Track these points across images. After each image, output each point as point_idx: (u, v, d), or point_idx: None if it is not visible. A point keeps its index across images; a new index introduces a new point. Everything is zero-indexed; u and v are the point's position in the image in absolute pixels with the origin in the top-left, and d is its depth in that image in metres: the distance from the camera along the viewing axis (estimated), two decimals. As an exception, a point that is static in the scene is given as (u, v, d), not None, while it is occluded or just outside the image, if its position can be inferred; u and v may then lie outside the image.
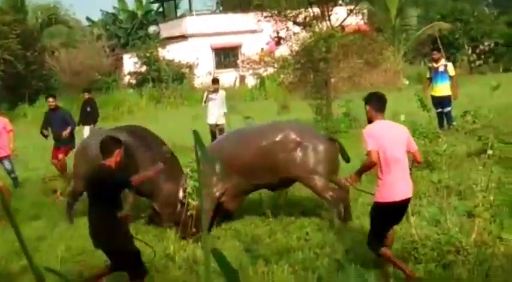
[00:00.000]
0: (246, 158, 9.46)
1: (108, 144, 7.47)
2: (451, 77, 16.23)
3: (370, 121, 7.38)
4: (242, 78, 39.15)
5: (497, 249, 6.98)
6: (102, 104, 33.51)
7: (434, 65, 16.35)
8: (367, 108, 7.37)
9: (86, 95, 20.27)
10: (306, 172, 9.35)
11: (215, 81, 17.90)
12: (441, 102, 16.13)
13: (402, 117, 14.35)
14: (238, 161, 9.39)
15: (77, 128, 17.13)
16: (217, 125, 17.20)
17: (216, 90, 17.51)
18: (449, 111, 16.10)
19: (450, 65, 16.55)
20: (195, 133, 2.11)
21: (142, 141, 10.45)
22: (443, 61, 16.57)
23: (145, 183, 10.07)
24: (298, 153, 9.40)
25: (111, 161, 7.31)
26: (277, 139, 9.49)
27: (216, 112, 17.35)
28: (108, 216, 7.14)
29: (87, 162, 10.81)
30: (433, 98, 16.20)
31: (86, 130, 19.49)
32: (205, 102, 17.69)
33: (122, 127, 12.01)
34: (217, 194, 9.43)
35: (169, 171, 9.72)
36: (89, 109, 19.75)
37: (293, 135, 9.51)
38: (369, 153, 7.04)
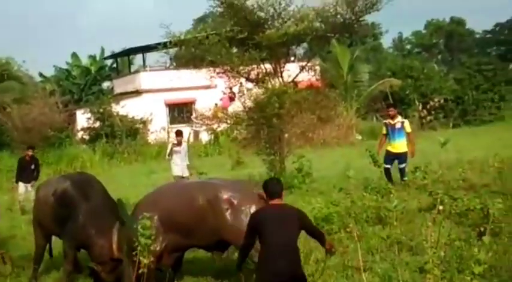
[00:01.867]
0: (178, 216, 9.07)
1: (277, 185, 7.35)
2: (407, 134, 16.51)
3: None
4: (196, 134, 39.17)
5: (448, 306, 7.01)
6: (55, 160, 33.25)
7: (391, 121, 16.58)
8: None
9: (30, 152, 19.76)
10: (236, 236, 8.53)
11: (179, 133, 17.99)
12: (398, 158, 16.34)
13: (350, 173, 14.47)
14: (171, 218, 9.06)
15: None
16: (182, 178, 17.16)
17: (179, 143, 17.62)
18: (404, 168, 16.31)
19: (407, 122, 16.87)
20: (120, 202, 2.09)
21: (83, 190, 10.15)
22: (399, 118, 16.88)
23: (80, 237, 9.95)
24: (229, 216, 8.83)
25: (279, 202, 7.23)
26: (209, 199, 8.96)
27: (180, 164, 17.51)
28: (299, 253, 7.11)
29: (39, 206, 10.79)
30: (390, 153, 16.40)
31: (22, 188, 19.14)
32: (169, 155, 17.74)
33: (68, 175, 11.90)
34: (158, 248, 9.21)
35: (105, 225, 9.60)
36: (33, 167, 19.40)
37: (225, 196, 8.93)
38: None
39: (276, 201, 7.17)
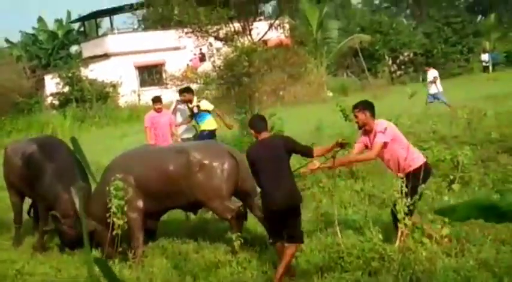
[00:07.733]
0: (149, 180, 9.12)
1: (261, 120, 8.06)
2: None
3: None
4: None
5: (420, 254, 7.12)
6: (25, 126, 32.96)
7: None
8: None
9: None
10: (210, 195, 8.96)
11: (184, 91, 16.60)
12: None
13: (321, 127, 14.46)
14: (143, 182, 9.09)
15: None
16: (188, 139, 16.62)
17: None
18: None
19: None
20: (73, 140, 2.08)
21: (49, 153, 10.35)
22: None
23: (49, 196, 9.98)
24: (200, 177, 8.95)
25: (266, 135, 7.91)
26: (180, 163, 9.06)
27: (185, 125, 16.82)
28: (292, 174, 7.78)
29: (9, 168, 10.93)
30: None
31: None
32: (172, 112, 17.10)
33: (35, 138, 12.04)
34: (141, 205, 9.22)
35: (70, 183, 9.67)
36: None
37: (196, 158, 9.02)
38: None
39: (264, 135, 7.83)
